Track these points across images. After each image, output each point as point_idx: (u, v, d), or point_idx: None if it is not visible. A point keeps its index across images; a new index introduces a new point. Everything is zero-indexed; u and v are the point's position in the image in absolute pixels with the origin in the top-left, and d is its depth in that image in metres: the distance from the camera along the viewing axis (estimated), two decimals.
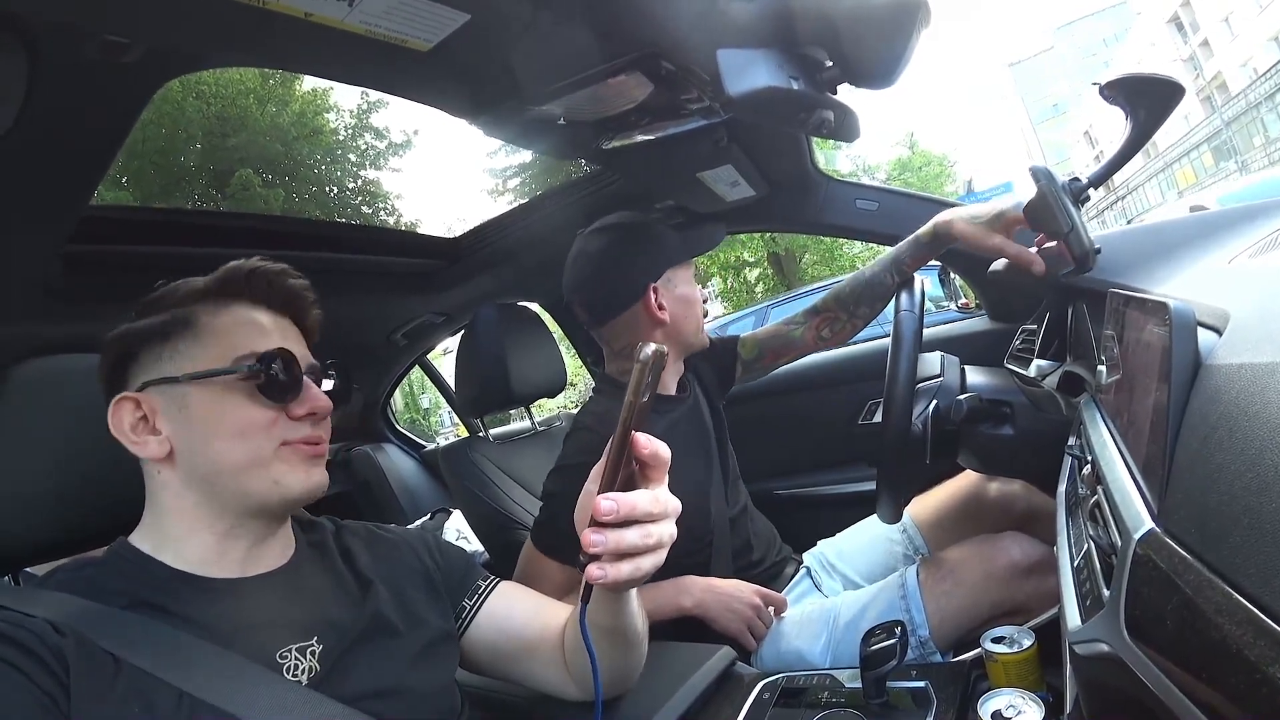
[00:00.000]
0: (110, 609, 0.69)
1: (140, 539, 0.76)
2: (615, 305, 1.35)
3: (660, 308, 1.33)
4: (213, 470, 0.74)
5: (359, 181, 13.60)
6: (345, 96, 13.41)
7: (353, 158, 13.45)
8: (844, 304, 1.49)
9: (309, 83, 12.27)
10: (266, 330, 0.79)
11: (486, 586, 0.96)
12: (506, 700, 1.04)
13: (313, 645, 0.76)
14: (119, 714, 0.63)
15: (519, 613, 0.95)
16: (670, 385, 1.42)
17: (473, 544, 2.06)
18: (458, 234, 1.88)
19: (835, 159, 16.51)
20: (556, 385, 1.78)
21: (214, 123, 11.35)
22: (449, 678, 0.86)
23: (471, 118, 1.03)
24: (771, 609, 1.32)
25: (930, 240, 1.34)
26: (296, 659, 0.74)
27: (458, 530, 2.30)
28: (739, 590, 1.30)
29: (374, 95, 12.91)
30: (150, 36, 0.69)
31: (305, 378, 0.79)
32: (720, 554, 1.39)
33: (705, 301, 1.53)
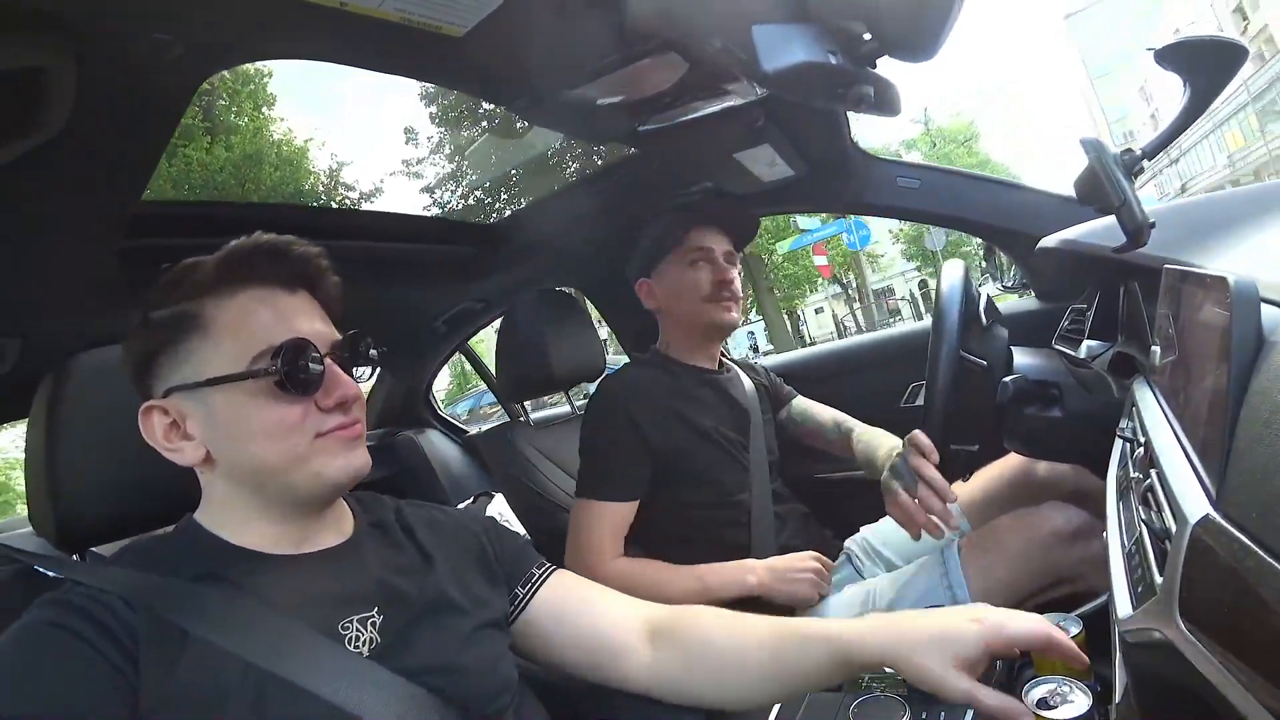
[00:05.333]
0: (179, 582, 0.70)
1: (203, 517, 0.78)
2: (632, 298, 1.65)
3: (652, 297, 1.60)
4: (254, 470, 0.74)
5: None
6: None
7: None
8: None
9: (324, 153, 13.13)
10: (281, 315, 0.75)
11: (541, 575, 0.93)
12: (559, 686, 1.04)
13: (373, 616, 0.76)
14: (187, 686, 0.64)
15: (572, 603, 0.93)
16: (701, 361, 1.59)
17: (515, 527, 2.08)
18: (495, 220, 1.89)
19: None
20: (596, 369, 1.79)
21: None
22: (504, 659, 0.86)
23: (506, 103, 1.03)
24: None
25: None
26: (358, 630, 0.74)
27: (500, 513, 2.32)
28: (793, 561, 1.37)
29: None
30: (192, 31, 0.70)
31: (329, 362, 0.75)
32: (761, 529, 1.43)
33: (731, 283, 1.52)
